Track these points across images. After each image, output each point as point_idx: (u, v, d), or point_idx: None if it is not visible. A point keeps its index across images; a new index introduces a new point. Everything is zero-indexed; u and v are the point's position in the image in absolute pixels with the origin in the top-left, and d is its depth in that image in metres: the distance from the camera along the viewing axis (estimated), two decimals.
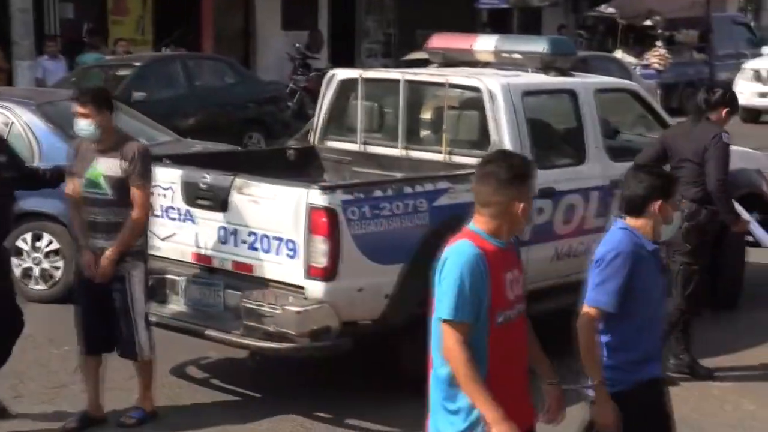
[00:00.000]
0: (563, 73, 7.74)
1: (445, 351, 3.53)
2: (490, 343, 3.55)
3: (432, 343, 3.63)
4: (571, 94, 7.41)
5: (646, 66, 22.08)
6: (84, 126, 5.83)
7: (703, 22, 22.82)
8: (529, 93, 7.16)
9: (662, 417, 4.22)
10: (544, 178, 6.92)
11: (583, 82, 7.73)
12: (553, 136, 7.58)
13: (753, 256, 8.66)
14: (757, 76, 20.80)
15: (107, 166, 5.82)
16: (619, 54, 22.29)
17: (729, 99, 6.92)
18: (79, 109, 5.82)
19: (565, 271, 7.12)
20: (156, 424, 5.99)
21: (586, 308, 4.07)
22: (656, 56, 22.58)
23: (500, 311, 3.58)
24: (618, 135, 8.18)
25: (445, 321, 3.52)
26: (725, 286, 8.27)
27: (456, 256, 3.55)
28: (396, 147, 7.53)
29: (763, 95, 20.52)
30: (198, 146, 9.72)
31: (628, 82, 9.99)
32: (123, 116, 8.47)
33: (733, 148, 9.21)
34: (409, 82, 7.50)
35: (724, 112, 6.86)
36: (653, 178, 4.23)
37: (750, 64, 21.41)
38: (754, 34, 25.45)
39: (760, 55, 22.13)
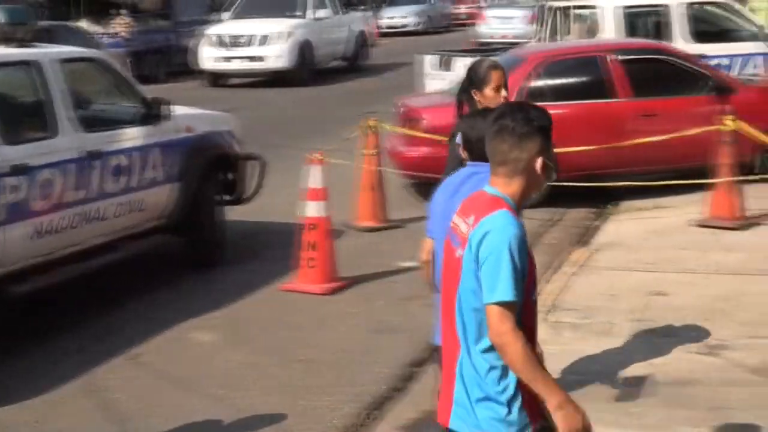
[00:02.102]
0: (24, 44, 7.42)
1: (498, 336, 3.12)
2: (523, 324, 3.18)
3: (462, 320, 3.24)
4: (36, 65, 7.13)
5: (113, 35, 21.96)
6: None
7: None
8: None
9: None
10: (15, 154, 6.64)
11: (47, 52, 7.47)
12: (21, 111, 7.26)
13: (233, 214, 9.06)
14: (219, 41, 21.56)
15: None
16: (83, 24, 21.91)
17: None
18: None
19: (47, 250, 6.91)
20: None
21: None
22: (122, 25, 22.53)
23: (533, 288, 3.28)
24: (91, 105, 8.06)
25: (497, 304, 3.12)
26: (205, 245, 8.56)
27: (502, 231, 3.15)
28: None
29: (226, 59, 21.35)
30: None
31: (95, 51, 9.86)
32: None
33: (202, 112, 9.54)
34: None
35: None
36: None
37: (211, 30, 22.13)
38: (213, 0, 26.32)
39: (220, 20, 22.96)
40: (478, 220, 3.21)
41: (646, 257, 8.45)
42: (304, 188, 8.13)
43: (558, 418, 3.12)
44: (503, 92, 5.42)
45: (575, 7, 15.56)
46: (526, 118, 3.26)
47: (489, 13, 26.81)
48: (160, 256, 8.60)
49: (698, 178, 9.39)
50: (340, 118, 15.15)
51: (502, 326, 3.11)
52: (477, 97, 5.39)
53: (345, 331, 7.14)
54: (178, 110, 8.41)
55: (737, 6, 15.74)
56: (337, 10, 23.43)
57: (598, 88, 10.67)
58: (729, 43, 14.05)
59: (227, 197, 8.91)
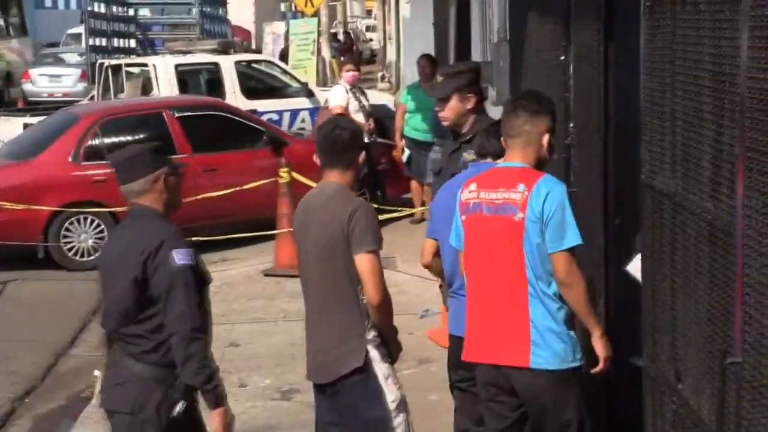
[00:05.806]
0: None
1: (569, 275, 3.80)
2: None
3: (532, 271, 3.83)
4: None
5: None
6: None
7: None
8: None
9: None
10: None
11: None
12: None
13: None
14: None
15: None
16: None
17: None
18: None
19: None
20: None
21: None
22: None
23: None
24: None
25: (566, 250, 3.79)
26: None
27: (559, 190, 3.83)
28: None
29: None
30: None
31: None
32: None
33: None
34: None
35: None
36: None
37: None
38: None
39: None
40: (531, 186, 3.83)
41: (217, 310, 8.48)
42: None
43: (600, 345, 3.96)
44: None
45: (127, 65, 15.48)
46: (539, 100, 4.05)
47: (34, 71, 25.58)
48: None
49: (270, 229, 9.71)
50: None
51: (572, 267, 3.82)
52: None
53: None
54: None
55: (281, 64, 16.55)
56: None
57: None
58: (278, 99, 14.71)
59: None
